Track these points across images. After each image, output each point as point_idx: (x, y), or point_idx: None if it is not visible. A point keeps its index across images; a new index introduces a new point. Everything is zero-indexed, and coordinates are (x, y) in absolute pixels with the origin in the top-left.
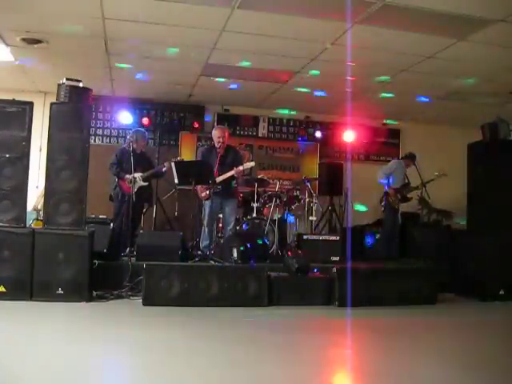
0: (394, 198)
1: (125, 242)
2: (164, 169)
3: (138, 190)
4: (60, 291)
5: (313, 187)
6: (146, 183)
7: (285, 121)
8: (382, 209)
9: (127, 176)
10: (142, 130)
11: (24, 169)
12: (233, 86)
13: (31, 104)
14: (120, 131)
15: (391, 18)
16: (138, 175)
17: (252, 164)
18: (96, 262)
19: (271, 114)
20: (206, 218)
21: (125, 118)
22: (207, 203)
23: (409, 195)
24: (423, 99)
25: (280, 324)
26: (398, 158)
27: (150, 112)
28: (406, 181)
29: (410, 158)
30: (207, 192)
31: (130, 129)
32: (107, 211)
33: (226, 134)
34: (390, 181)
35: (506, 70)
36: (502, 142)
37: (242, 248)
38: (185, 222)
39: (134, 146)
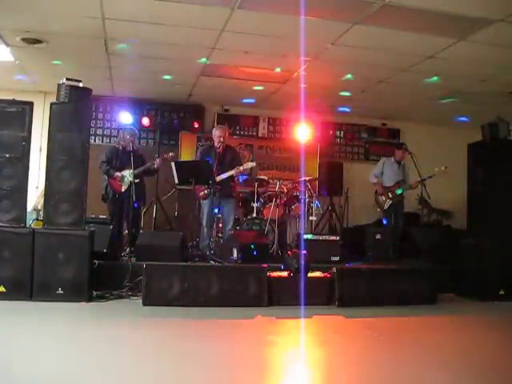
0: (385, 198)
1: (122, 242)
2: (156, 165)
3: (129, 187)
4: (60, 291)
5: (313, 187)
6: (137, 180)
7: (285, 121)
8: (378, 209)
9: (117, 174)
10: (131, 127)
11: (24, 169)
12: (233, 86)
13: (31, 104)
14: (120, 131)
15: (391, 18)
16: (128, 172)
17: (253, 164)
18: (96, 261)
19: (271, 113)
20: (205, 217)
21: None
22: (206, 203)
23: (405, 193)
24: (423, 99)
25: (279, 324)
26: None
27: (149, 112)
28: (402, 177)
29: (397, 147)
30: (205, 191)
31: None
32: (107, 211)
33: (227, 134)
34: (382, 180)
35: (506, 70)
36: (502, 142)
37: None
38: (185, 222)
39: (123, 143)
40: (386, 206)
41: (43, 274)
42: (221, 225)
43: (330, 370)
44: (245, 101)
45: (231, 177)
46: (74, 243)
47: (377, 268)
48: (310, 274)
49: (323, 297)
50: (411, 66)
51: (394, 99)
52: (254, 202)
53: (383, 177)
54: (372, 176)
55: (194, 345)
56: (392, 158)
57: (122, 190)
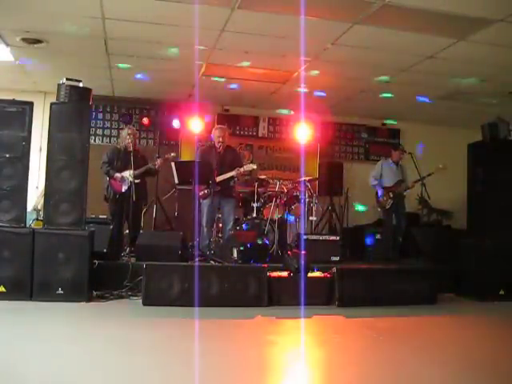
0: (386, 198)
1: (122, 242)
2: (156, 165)
3: (129, 187)
4: (60, 291)
5: (313, 187)
6: (137, 180)
7: (285, 121)
8: (379, 209)
9: (117, 174)
10: (129, 126)
11: (24, 169)
12: (233, 86)
13: (31, 104)
14: (120, 131)
15: (391, 18)
16: (129, 173)
17: (253, 166)
18: (96, 261)
19: (271, 114)
20: (205, 217)
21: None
22: (205, 203)
23: (406, 192)
24: (423, 99)
25: (279, 324)
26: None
27: (150, 112)
28: (401, 177)
29: (393, 148)
30: (205, 191)
31: None
32: (107, 211)
33: (226, 134)
34: (382, 181)
35: (506, 70)
36: (502, 142)
37: (241, 248)
38: (185, 222)
39: (123, 144)
40: (387, 206)
41: (43, 274)
42: (221, 225)
43: (330, 370)
44: None
45: (231, 177)
46: (74, 243)
47: (377, 268)
48: (309, 274)
49: (323, 297)
50: (411, 65)
51: (394, 99)
52: (254, 202)
53: (382, 178)
54: (371, 179)
55: (193, 345)
56: (389, 159)
57: (123, 190)
